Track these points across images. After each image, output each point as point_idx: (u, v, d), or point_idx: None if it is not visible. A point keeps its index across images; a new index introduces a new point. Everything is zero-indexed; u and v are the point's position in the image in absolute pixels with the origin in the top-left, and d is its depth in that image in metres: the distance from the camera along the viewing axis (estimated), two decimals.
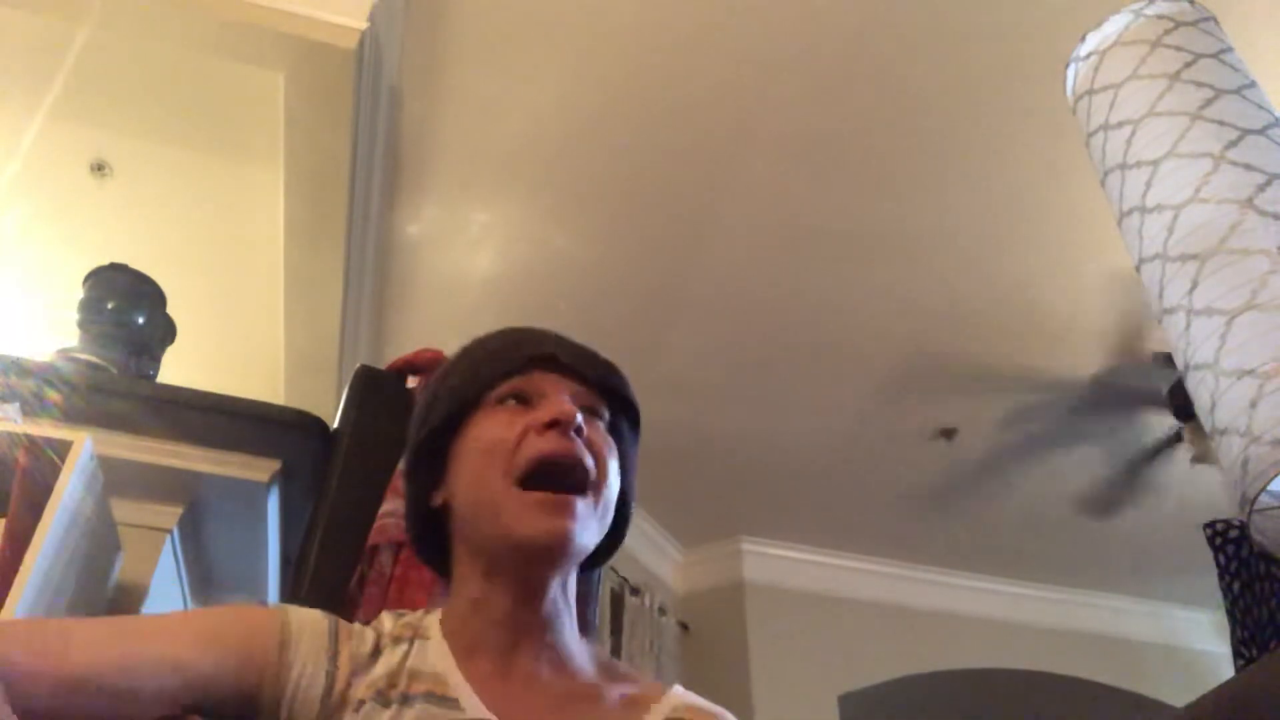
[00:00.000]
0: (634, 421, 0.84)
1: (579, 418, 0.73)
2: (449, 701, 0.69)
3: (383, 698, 0.69)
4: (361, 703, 0.68)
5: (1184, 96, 1.43)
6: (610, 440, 0.79)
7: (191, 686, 0.65)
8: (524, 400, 0.77)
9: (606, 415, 0.80)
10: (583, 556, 0.75)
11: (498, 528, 0.72)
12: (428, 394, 0.83)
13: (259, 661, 0.68)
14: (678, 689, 0.79)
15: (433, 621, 0.77)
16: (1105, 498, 3.67)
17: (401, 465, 0.84)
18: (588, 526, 0.73)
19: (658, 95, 2.49)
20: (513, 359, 0.78)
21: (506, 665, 0.73)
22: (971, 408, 3.57)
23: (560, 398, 0.76)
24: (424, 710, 0.67)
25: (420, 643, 0.74)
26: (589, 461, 0.74)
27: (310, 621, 0.73)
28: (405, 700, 0.68)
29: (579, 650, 0.77)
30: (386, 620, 0.77)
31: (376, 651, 0.73)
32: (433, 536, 0.81)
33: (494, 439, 0.74)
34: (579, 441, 0.73)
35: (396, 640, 0.74)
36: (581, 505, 0.72)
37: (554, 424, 0.73)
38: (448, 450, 0.78)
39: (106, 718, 0.63)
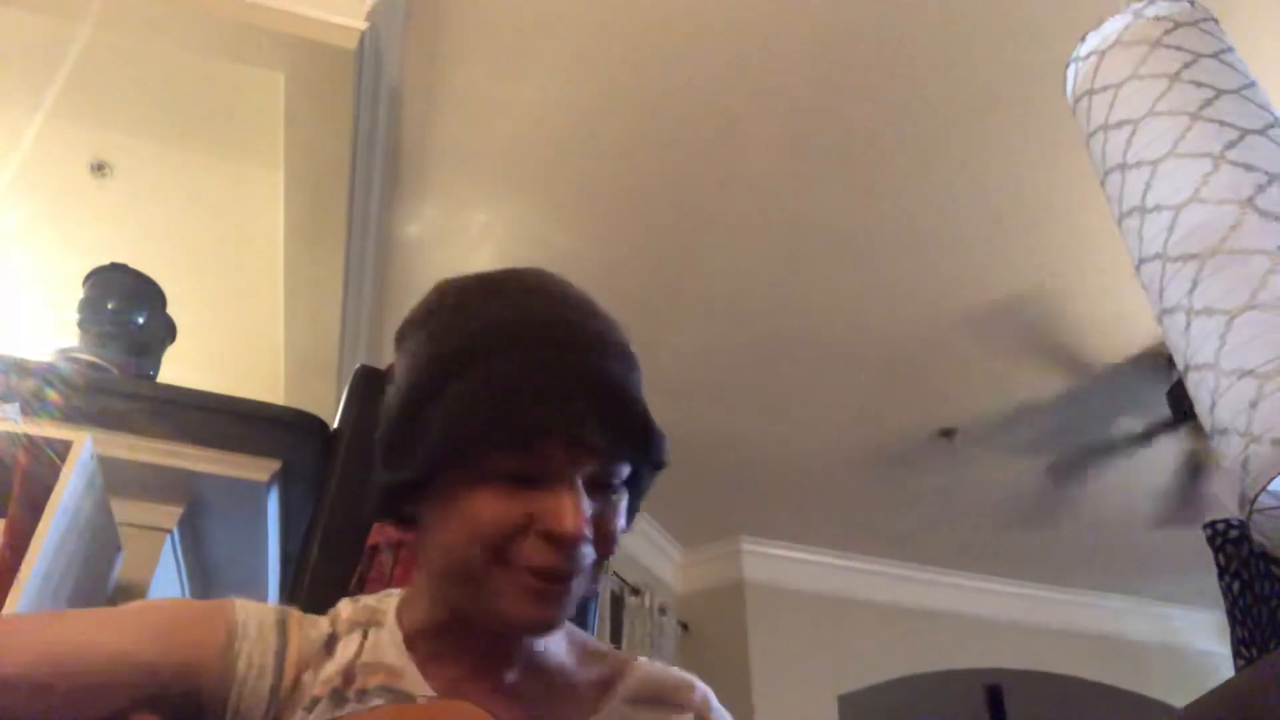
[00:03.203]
0: (660, 466, 0.73)
1: (586, 534, 0.64)
2: (404, 696, 0.67)
3: (338, 696, 0.66)
4: (316, 700, 0.66)
5: (1184, 96, 1.43)
6: (622, 497, 0.69)
7: (133, 684, 0.63)
8: (523, 473, 0.64)
9: (626, 471, 0.68)
10: None
11: (477, 602, 0.65)
12: (409, 393, 0.68)
13: (203, 659, 0.65)
14: (641, 662, 0.76)
15: (389, 607, 0.73)
16: (1067, 466, 3.68)
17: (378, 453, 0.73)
18: (578, 597, 0.67)
19: (657, 95, 2.49)
20: (517, 429, 0.63)
21: (476, 671, 0.70)
22: (971, 408, 3.57)
23: (572, 491, 0.64)
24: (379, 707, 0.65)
25: (375, 631, 0.71)
26: (586, 562, 0.66)
27: (257, 615, 0.69)
28: (361, 697, 0.66)
29: (550, 649, 0.74)
30: (344, 607, 0.74)
31: (332, 641, 0.70)
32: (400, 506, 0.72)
33: (484, 524, 0.63)
34: (580, 551, 0.65)
35: (352, 627, 0.71)
36: (575, 585, 0.66)
37: (556, 539, 0.63)
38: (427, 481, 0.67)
39: (51, 716, 0.60)
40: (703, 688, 0.76)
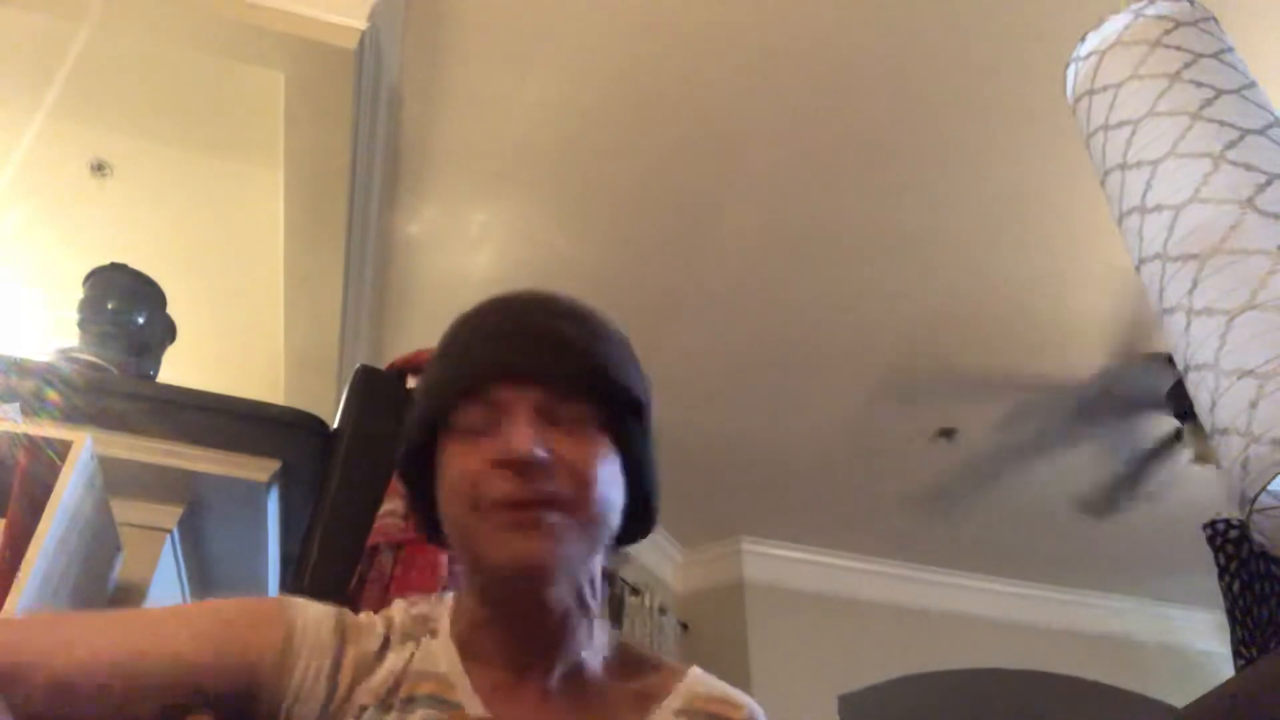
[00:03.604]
0: (633, 404, 0.74)
1: (536, 452, 0.65)
2: (453, 706, 0.67)
3: (385, 704, 0.67)
4: (364, 709, 0.66)
5: (1184, 96, 1.43)
6: (596, 439, 0.70)
7: (190, 684, 0.64)
8: (484, 424, 0.69)
9: (596, 408, 0.71)
10: (577, 573, 0.70)
11: (473, 556, 0.68)
12: (413, 401, 0.77)
13: (260, 661, 0.66)
14: (695, 673, 0.76)
15: (444, 614, 0.74)
16: (1105, 499, 3.68)
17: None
18: (569, 541, 0.66)
19: (658, 95, 2.49)
20: (467, 375, 0.70)
21: (518, 677, 0.70)
22: (971, 408, 3.57)
23: (518, 419, 0.67)
24: (426, 715, 0.66)
25: (427, 640, 0.72)
26: (553, 489, 0.66)
27: (315, 620, 0.70)
28: (408, 703, 0.67)
29: (596, 651, 0.74)
30: (398, 611, 0.74)
31: (384, 649, 0.70)
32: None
33: (456, 475, 0.68)
34: (539, 478, 0.66)
35: (405, 637, 0.72)
36: (559, 520, 0.66)
37: (509, 464, 0.65)
38: (433, 463, 0.73)
39: (105, 715, 0.61)
40: (753, 707, 0.75)
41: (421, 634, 0.72)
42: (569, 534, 0.66)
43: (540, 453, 0.66)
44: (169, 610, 0.69)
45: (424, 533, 0.80)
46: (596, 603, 0.74)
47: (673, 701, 0.73)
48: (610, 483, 0.70)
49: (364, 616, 0.73)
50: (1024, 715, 4.70)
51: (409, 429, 0.74)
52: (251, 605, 0.70)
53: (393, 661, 0.69)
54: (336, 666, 0.68)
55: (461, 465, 0.68)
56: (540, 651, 0.70)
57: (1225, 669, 4.13)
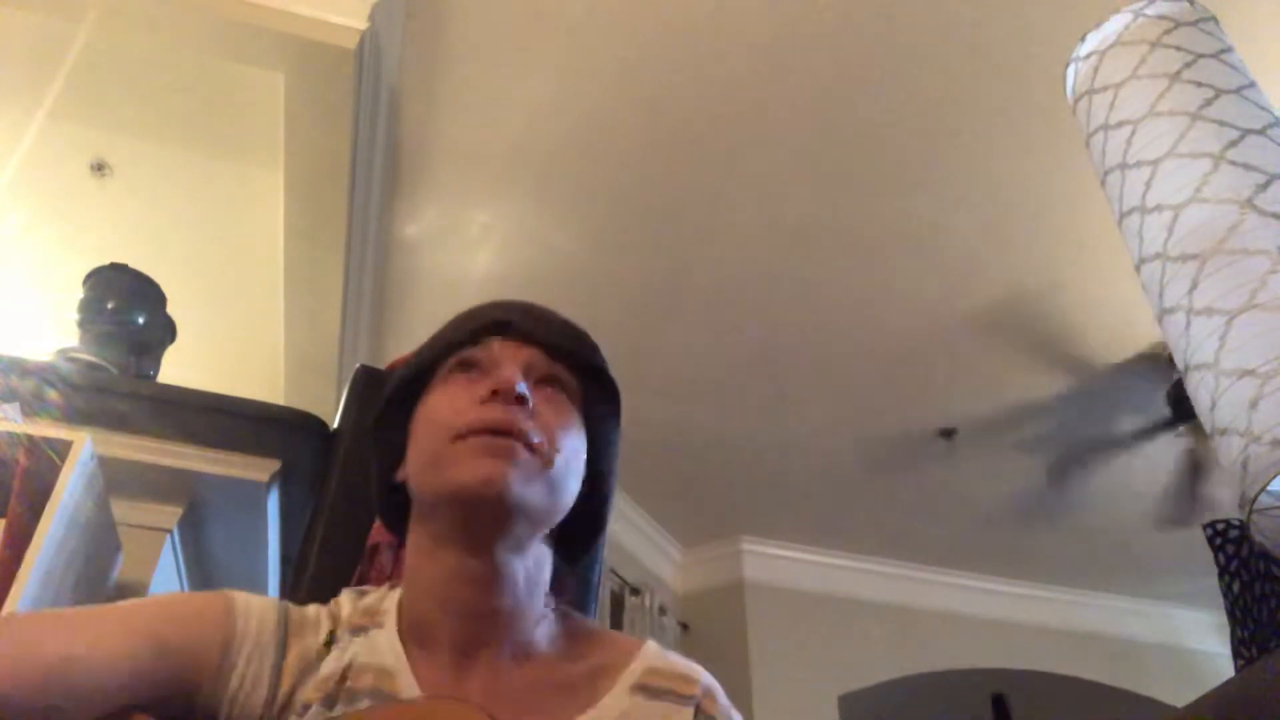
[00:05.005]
0: (610, 394, 0.80)
1: (520, 386, 0.70)
2: (393, 697, 0.66)
3: (329, 698, 0.65)
4: (307, 706, 0.65)
5: (1184, 96, 1.43)
6: (569, 411, 0.75)
7: (127, 686, 0.61)
8: (477, 369, 0.74)
9: (574, 384, 0.77)
10: (531, 518, 0.70)
11: (438, 480, 0.69)
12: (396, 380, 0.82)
13: (200, 659, 0.64)
14: (650, 647, 0.75)
15: (391, 605, 0.73)
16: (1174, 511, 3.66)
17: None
18: (531, 481, 0.69)
19: (658, 95, 2.49)
20: (466, 328, 0.77)
21: (466, 661, 0.69)
22: (971, 407, 3.57)
23: (510, 366, 0.73)
24: (369, 706, 0.65)
25: (374, 631, 0.70)
26: (529, 428, 0.70)
27: (258, 614, 0.68)
28: (351, 698, 0.66)
29: (544, 635, 0.73)
30: (345, 603, 0.74)
31: (330, 644, 0.69)
32: (398, 514, 0.78)
33: (441, 408, 0.72)
34: (520, 412, 0.70)
35: (353, 630, 0.71)
36: (524, 454, 0.68)
37: (494, 394, 0.70)
38: (408, 424, 0.76)
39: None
40: (708, 680, 0.74)
41: (369, 625, 0.71)
42: (532, 474, 0.69)
43: (525, 390, 0.71)
44: (105, 609, 0.66)
45: (378, 502, 0.81)
46: (542, 590, 0.74)
47: (628, 677, 0.71)
48: (573, 451, 0.74)
49: (310, 610, 0.72)
50: (1024, 715, 4.70)
51: (396, 379, 0.78)
52: (192, 602, 0.69)
53: (338, 655, 0.68)
54: (278, 667, 0.67)
55: (450, 401, 0.72)
56: (488, 620, 0.70)
57: (1225, 669, 4.13)
